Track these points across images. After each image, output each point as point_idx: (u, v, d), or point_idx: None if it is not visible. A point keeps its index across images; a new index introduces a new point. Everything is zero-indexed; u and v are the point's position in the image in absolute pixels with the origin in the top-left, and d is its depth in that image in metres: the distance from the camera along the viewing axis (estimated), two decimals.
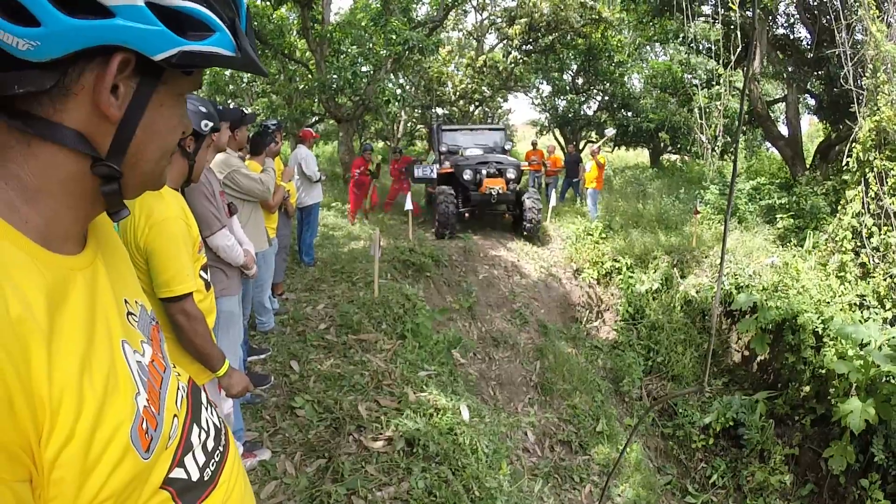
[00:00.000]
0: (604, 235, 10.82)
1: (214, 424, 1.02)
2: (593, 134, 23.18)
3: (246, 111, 4.52)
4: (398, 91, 14.57)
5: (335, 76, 12.65)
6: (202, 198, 2.97)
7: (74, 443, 0.66)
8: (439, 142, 12.48)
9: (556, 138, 23.00)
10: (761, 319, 7.56)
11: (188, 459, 0.89)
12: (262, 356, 4.88)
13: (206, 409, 1.02)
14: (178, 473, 0.86)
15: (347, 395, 4.15)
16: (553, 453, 6.29)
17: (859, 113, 8.39)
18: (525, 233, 11.03)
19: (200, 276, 2.39)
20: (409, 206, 9.27)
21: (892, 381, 6.38)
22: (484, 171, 10.67)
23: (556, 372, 7.58)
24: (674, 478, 7.22)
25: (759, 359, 8.25)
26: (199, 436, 0.95)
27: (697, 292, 8.94)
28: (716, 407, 7.53)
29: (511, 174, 10.74)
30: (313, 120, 18.75)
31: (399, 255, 8.30)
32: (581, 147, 21.07)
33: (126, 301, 0.88)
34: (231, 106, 11.65)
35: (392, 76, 16.12)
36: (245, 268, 3.48)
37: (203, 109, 2.40)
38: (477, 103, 20.12)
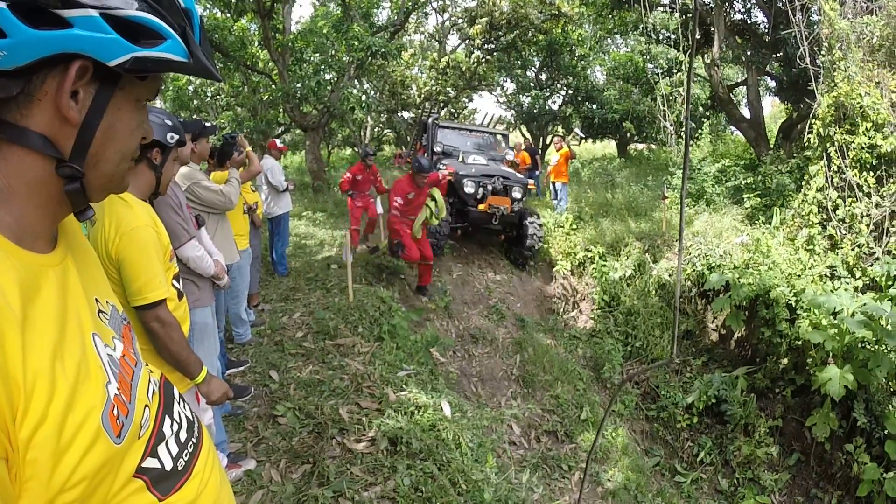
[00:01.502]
0: (574, 226, 10.88)
1: (187, 417, 1.05)
2: (559, 128, 23.32)
3: (208, 124, 4.48)
4: (363, 97, 14.54)
5: (299, 85, 12.60)
6: (169, 210, 2.98)
7: (47, 425, 0.70)
8: (433, 140, 10.70)
9: (522, 135, 23.11)
10: (735, 297, 7.66)
11: (161, 449, 0.93)
12: (241, 368, 4.86)
13: (179, 403, 1.06)
14: (152, 463, 0.90)
15: (328, 400, 4.15)
16: (539, 444, 6.32)
17: (817, 90, 8.55)
18: (521, 259, 10.16)
19: (173, 286, 2.41)
20: (379, 209, 9.23)
21: (868, 346, 6.51)
22: (489, 187, 9.28)
23: (536, 364, 7.63)
24: (662, 459, 7.30)
25: (735, 336, 8.36)
26: (172, 427, 0.98)
27: (670, 275, 9.04)
28: (697, 386, 7.63)
29: (517, 193, 9.46)
30: (279, 130, 18.66)
31: (372, 260, 8.29)
32: (548, 142, 21.23)
33: (97, 300, 0.92)
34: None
35: (356, 82, 16.11)
36: (216, 278, 3.48)
37: (168, 122, 2.44)
38: (442, 104, 20.15)
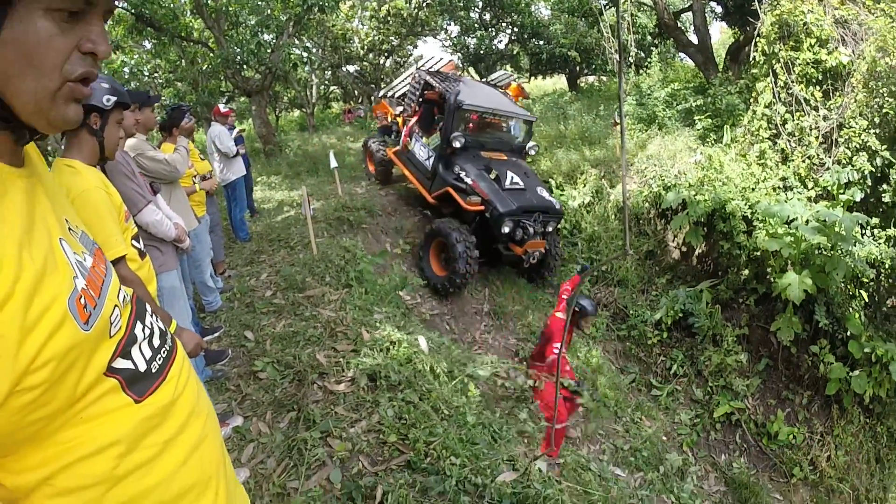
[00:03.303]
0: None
1: (159, 328, 1.08)
2: (508, 67, 23.15)
3: (152, 94, 4.41)
4: (304, 55, 14.20)
5: (238, 49, 12.25)
6: (122, 177, 2.97)
7: (13, 301, 0.73)
8: (451, 129, 8.05)
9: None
10: (692, 214, 7.84)
11: (134, 350, 0.96)
12: (217, 334, 4.87)
13: (151, 315, 1.08)
14: (124, 364, 0.92)
15: (305, 349, 4.21)
16: (517, 372, 6.47)
17: (761, 10, 8.65)
18: (538, 277, 8.64)
19: (133, 246, 2.41)
20: (333, 164, 9.10)
21: (824, 251, 6.76)
22: (531, 229, 7.42)
23: (505, 296, 7.77)
24: (637, 375, 7.57)
25: (696, 252, 8.60)
26: (144, 331, 1.01)
27: (628, 199, 9.18)
28: (664, 303, 7.86)
29: (551, 227, 7.85)
30: (224, 100, 18.22)
31: (332, 213, 8.26)
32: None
33: (67, 220, 0.95)
34: None
35: (296, 40, 15.69)
36: (178, 241, 3.48)
37: (105, 85, 2.41)
38: (386, 54, 19.82)
